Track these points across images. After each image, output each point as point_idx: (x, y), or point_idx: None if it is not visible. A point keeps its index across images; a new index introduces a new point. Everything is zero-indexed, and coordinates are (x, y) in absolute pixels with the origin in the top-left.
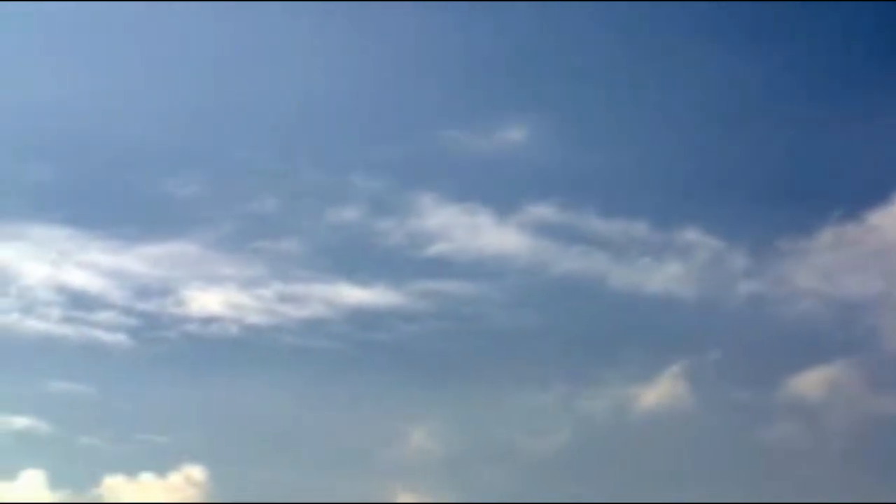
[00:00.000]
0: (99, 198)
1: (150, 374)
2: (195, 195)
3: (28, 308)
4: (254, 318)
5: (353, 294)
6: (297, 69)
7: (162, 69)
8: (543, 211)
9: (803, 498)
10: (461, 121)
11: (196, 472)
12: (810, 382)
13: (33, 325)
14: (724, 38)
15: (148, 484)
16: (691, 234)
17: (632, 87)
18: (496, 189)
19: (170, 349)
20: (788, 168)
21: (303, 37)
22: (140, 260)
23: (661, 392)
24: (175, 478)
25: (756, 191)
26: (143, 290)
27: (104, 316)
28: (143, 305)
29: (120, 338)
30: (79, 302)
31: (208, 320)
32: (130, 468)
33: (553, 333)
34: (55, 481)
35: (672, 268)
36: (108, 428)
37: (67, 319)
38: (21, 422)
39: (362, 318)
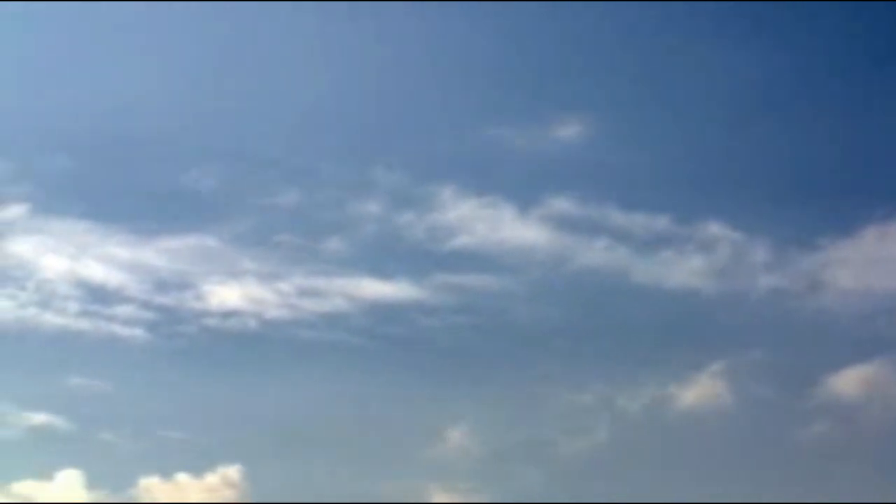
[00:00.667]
0: (118, 191)
1: (168, 370)
2: (215, 188)
3: (46, 302)
4: (273, 313)
5: (374, 288)
6: (318, 65)
7: (181, 62)
8: (564, 204)
9: (840, 498)
10: (482, 116)
11: (232, 471)
12: (848, 381)
13: (51, 319)
14: (748, 35)
15: (184, 484)
16: (714, 228)
17: (654, 84)
18: (516, 182)
19: (188, 344)
20: (833, 164)
21: (328, 34)
22: (159, 253)
23: (697, 391)
24: (211, 478)
25: (792, 186)
26: (162, 284)
27: (122, 310)
28: (161, 299)
29: (137, 332)
30: (97, 296)
31: (227, 314)
32: (155, 466)
33: (579, 329)
34: (90, 481)
35: (694, 262)
36: (126, 424)
37: (85, 313)
38: (39, 418)
39: (382, 312)
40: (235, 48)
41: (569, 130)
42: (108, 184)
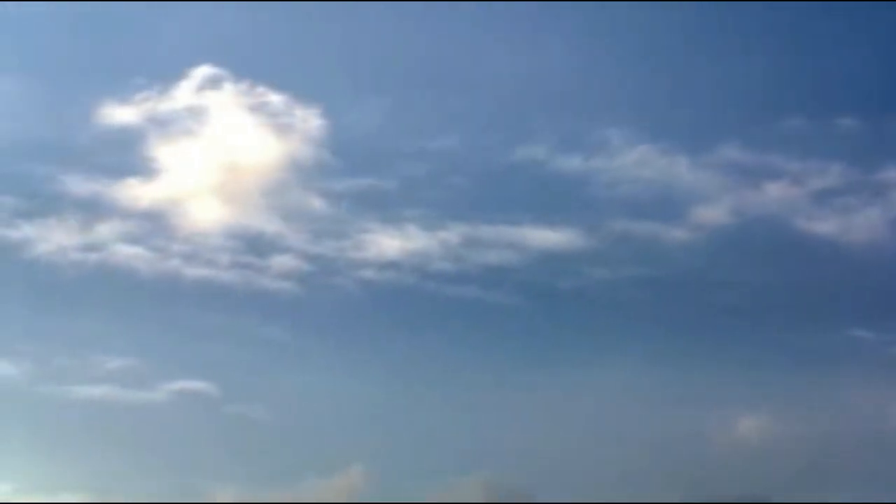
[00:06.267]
0: None
1: (321, 328)
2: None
3: (192, 254)
4: (435, 265)
5: (541, 236)
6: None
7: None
8: (734, 152)
9: None
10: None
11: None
12: None
13: (196, 272)
14: None
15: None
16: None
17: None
18: (687, 128)
19: (341, 298)
20: None
21: None
22: (319, 198)
23: None
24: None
25: None
26: (320, 233)
27: (277, 261)
28: (318, 249)
29: (288, 286)
30: (253, 246)
31: (385, 266)
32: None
33: (774, 286)
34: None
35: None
36: (271, 394)
37: (236, 265)
38: (180, 384)
39: (551, 264)
40: None
41: (739, 76)
42: None
